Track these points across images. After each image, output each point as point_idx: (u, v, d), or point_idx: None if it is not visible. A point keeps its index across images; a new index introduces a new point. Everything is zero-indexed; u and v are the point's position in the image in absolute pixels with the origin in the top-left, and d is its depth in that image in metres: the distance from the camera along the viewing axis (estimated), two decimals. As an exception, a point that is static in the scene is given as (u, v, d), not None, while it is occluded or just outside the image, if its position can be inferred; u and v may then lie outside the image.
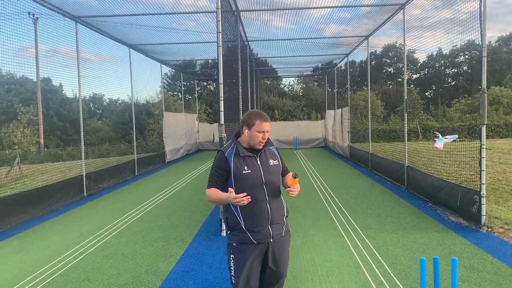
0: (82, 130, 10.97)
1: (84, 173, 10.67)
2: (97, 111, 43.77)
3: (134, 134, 15.72)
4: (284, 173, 3.37)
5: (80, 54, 10.78)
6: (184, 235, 6.74)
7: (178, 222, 7.63)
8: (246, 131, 3.15)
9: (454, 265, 2.84)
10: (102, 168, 12.56)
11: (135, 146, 15.36)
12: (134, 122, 15.60)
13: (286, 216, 3.30)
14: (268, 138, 3.24)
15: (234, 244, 3.13)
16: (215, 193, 3.06)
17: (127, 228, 7.30)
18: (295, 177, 3.10)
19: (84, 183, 10.61)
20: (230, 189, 2.93)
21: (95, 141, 28.64)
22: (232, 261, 3.14)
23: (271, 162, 3.21)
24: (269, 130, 3.17)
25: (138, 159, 14.88)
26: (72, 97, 29.55)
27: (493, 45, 45.42)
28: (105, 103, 41.70)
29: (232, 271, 3.14)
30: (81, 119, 10.90)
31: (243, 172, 3.07)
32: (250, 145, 3.17)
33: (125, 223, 7.67)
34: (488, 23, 6.44)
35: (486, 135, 6.43)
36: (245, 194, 2.89)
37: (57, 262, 5.62)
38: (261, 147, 3.16)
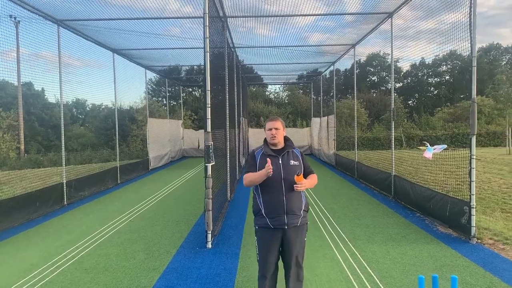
0: (63, 136, 10.63)
1: (64, 181, 10.33)
2: (80, 116, 43.13)
3: (117, 140, 15.39)
4: (307, 173, 3.93)
5: (63, 59, 10.48)
6: (168, 247, 6.50)
7: (162, 233, 7.38)
8: (265, 133, 3.92)
9: (454, 284, 2.70)
10: (84, 175, 12.21)
11: (117, 153, 15.02)
12: (117, 128, 15.28)
13: (305, 211, 3.86)
14: (291, 141, 3.95)
15: (256, 227, 3.89)
16: (252, 174, 3.78)
17: (108, 239, 7.03)
18: (298, 175, 3.64)
19: (65, 191, 10.27)
20: (268, 165, 3.57)
21: (77, 147, 28.13)
22: (256, 242, 3.90)
23: (292, 162, 3.81)
24: (278, 127, 3.83)
25: (121, 166, 14.55)
26: (54, 102, 28.93)
27: (470, 56, 46.24)
28: (88, 109, 41.13)
29: (257, 250, 3.89)
30: (62, 124, 10.57)
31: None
32: (271, 144, 3.87)
33: (106, 234, 7.39)
34: (466, 34, 6.43)
35: (467, 144, 6.38)
36: (270, 166, 3.56)
37: (33, 276, 5.33)
38: (275, 141, 3.82)
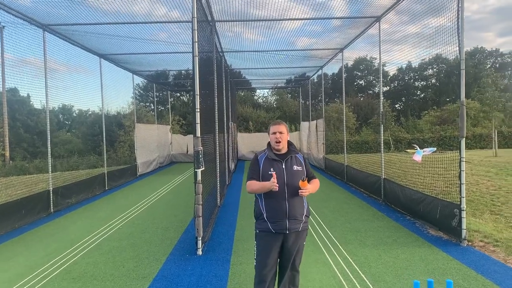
0: (49, 142, 10.44)
1: (51, 188, 10.15)
2: (67, 122, 42.59)
3: (105, 146, 15.21)
4: (308, 177, 3.86)
5: (49, 64, 10.32)
6: (158, 254, 6.40)
7: (151, 240, 7.27)
8: (269, 137, 3.90)
9: (449, 289, 2.68)
10: (71, 182, 12.01)
11: (105, 159, 14.83)
12: (104, 134, 15.10)
13: (306, 216, 3.85)
14: (294, 146, 3.95)
15: (257, 231, 3.84)
16: (256, 183, 3.76)
17: (96, 247, 6.90)
18: (303, 180, 3.65)
19: (51, 199, 10.08)
20: (274, 177, 3.61)
21: (64, 154, 27.73)
22: (255, 246, 3.86)
23: (295, 167, 3.79)
24: (283, 131, 3.82)
25: (108, 172, 14.36)
26: (40, 108, 28.52)
27: (458, 59, 46.91)
28: (74, 114, 40.58)
29: (255, 255, 3.84)
30: (48, 130, 10.39)
31: (268, 172, 3.72)
32: (275, 149, 3.85)
33: (94, 242, 7.25)
34: (453, 37, 6.49)
35: (454, 147, 6.42)
36: (276, 183, 3.58)
37: (19, 287, 5.19)
38: (279, 145, 3.79)
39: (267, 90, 38.41)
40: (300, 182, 3.65)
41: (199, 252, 6.30)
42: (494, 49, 52.79)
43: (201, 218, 6.30)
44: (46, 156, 10.68)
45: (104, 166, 14.55)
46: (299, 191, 3.65)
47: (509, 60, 52.36)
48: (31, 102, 32.96)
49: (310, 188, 3.74)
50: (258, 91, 39.53)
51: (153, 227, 8.25)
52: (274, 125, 3.85)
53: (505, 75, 49.21)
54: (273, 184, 3.57)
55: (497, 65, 51.31)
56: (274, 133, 3.80)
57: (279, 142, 3.79)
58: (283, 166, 3.76)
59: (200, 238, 6.35)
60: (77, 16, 9.54)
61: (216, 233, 7.55)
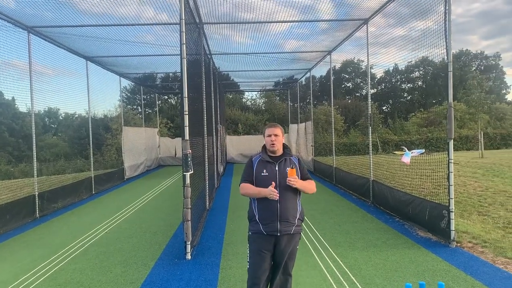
0: (34, 146, 10.26)
1: (36, 192, 9.97)
2: (53, 125, 42.00)
3: (91, 149, 15.01)
4: (302, 179, 3.84)
5: (34, 67, 10.15)
6: (146, 259, 6.30)
7: (139, 244, 7.17)
8: (264, 140, 3.90)
9: (441, 292, 2.66)
10: (57, 186, 11.82)
11: (92, 163, 14.64)
12: (91, 137, 14.91)
13: (300, 219, 3.83)
14: (289, 149, 3.96)
15: (250, 233, 3.84)
16: (251, 187, 3.77)
17: (83, 253, 6.78)
18: (292, 168, 3.70)
19: (37, 203, 9.90)
20: (273, 183, 3.63)
21: (50, 157, 27.35)
22: (248, 248, 3.84)
23: (288, 170, 3.74)
24: (278, 134, 3.82)
25: (95, 176, 14.19)
26: (25, 111, 28.04)
27: (446, 61, 47.48)
28: (61, 118, 40.01)
29: (248, 257, 3.83)
30: (34, 134, 10.21)
31: (261, 174, 3.76)
32: (270, 151, 3.85)
33: (81, 247, 7.12)
34: (440, 40, 6.54)
35: (441, 148, 6.46)
36: (276, 191, 3.61)
37: (3, 295, 5.07)
38: (274, 148, 3.80)
39: (256, 92, 38.43)
40: (289, 170, 3.67)
41: (188, 256, 6.23)
42: (479, 51, 53.58)
43: (189, 222, 6.23)
44: (31, 160, 10.49)
45: (91, 170, 14.37)
46: (287, 179, 3.65)
47: (494, 62, 53.23)
48: (16, 105, 32.55)
49: (300, 182, 3.74)
50: (246, 93, 39.54)
51: (141, 231, 8.14)
52: (270, 127, 3.87)
53: (490, 77, 49.99)
54: (271, 192, 3.60)
55: (482, 67, 52.11)
56: (270, 135, 3.82)
57: (274, 144, 3.80)
58: (276, 168, 3.77)
59: (189, 242, 6.27)
60: (63, 18, 9.41)
61: (205, 237, 7.48)
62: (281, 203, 3.69)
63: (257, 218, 3.77)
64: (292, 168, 3.70)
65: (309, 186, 3.87)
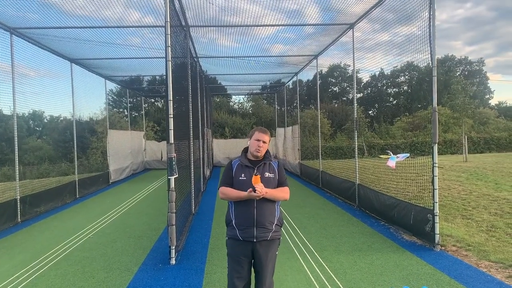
0: (16, 149, 10.06)
1: (18, 196, 9.78)
2: (37, 128, 41.39)
3: (76, 152, 14.80)
4: (280, 185, 3.77)
5: (17, 69, 9.99)
6: (129, 264, 6.21)
7: (123, 249, 7.07)
8: (249, 142, 3.82)
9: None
10: (40, 190, 11.62)
11: (76, 166, 14.44)
12: (75, 140, 14.70)
13: (278, 225, 3.73)
14: (270, 154, 3.86)
15: (227, 238, 3.77)
16: (232, 190, 3.67)
17: (65, 258, 6.65)
18: (255, 175, 3.51)
19: (18, 207, 9.71)
20: (250, 189, 3.47)
21: (34, 161, 26.95)
22: (227, 253, 3.76)
23: (267, 174, 3.71)
24: (266, 141, 3.74)
25: (79, 179, 13.98)
26: (9, 114, 27.50)
27: (430, 66, 48.23)
28: (45, 120, 39.47)
29: (227, 262, 3.75)
30: (16, 137, 10.01)
31: (239, 178, 3.68)
32: (252, 155, 3.76)
33: (63, 252, 6.99)
34: (424, 45, 6.60)
35: (426, 152, 6.51)
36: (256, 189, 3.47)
37: (-19, 302, 4.94)
38: (259, 154, 3.72)
39: (243, 96, 38.44)
40: (253, 177, 3.50)
41: (173, 261, 6.15)
42: (463, 57, 54.46)
43: (174, 226, 6.16)
44: (14, 163, 10.30)
45: (75, 173, 14.17)
46: (251, 192, 3.48)
47: (477, 68, 54.11)
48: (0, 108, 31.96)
49: (271, 191, 3.59)
50: (233, 97, 39.54)
51: (125, 236, 8.04)
52: (260, 132, 3.75)
53: (474, 82, 50.79)
54: (251, 194, 3.46)
55: (466, 72, 52.92)
56: (258, 140, 3.71)
57: (259, 150, 3.71)
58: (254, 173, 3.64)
59: (174, 247, 6.20)
60: (47, 19, 9.28)
61: (190, 242, 7.41)
62: (257, 208, 3.60)
63: (233, 223, 3.69)
64: (256, 175, 3.51)
65: (280, 194, 3.71)
